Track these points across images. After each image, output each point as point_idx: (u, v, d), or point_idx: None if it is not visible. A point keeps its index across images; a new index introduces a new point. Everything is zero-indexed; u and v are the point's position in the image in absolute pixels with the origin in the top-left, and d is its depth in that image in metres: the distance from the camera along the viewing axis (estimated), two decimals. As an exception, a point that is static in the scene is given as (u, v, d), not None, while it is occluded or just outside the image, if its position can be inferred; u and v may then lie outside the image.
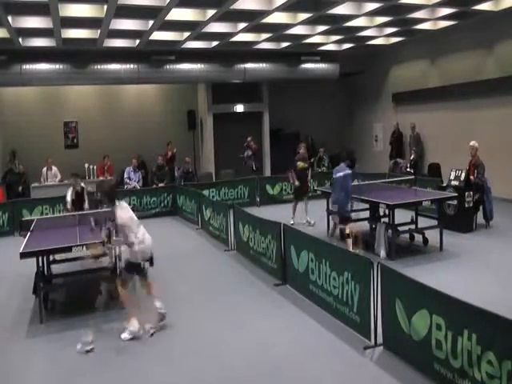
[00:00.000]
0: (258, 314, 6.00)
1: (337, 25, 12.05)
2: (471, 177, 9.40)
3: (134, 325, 5.44)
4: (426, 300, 4.28)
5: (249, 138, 14.61)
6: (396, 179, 11.15)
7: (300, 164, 10.71)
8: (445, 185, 9.80)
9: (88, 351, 5.13)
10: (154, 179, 14.00)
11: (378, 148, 17.10)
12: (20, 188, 13.74)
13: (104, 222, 6.03)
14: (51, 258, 7.18)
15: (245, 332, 5.53)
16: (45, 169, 13.90)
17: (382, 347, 4.86)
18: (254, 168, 14.52)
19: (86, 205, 9.20)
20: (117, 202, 5.56)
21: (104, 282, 6.20)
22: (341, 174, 8.02)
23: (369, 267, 4.84)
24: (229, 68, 15.17)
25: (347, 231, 7.90)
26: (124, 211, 5.55)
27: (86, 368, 4.86)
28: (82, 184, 9.53)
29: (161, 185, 13.46)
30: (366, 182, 10.23)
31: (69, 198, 9.22)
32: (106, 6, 9.58)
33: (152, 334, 5.46)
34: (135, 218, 5.65)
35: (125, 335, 5.41)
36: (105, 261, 7.69)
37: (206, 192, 11.98)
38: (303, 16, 11.23)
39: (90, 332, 5.33)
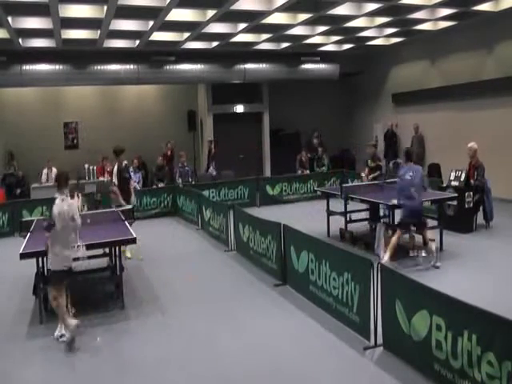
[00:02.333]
0: (258, 314, 5.99)
1: (337, 25, 12.05)
2: (471, 180, 9.40)
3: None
4: (426, 300, 4.28)
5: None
6: (396, 179, 11.12)
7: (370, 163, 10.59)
8: (445, 185, 9.80)
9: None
10: (153, 179, 14.03)
11: (378, 148, 17.06)
12: (18, 191, 13.78)
13: None
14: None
15: (244, 332, 5.52)
16: (45, 170, 13.95)
17: (381, 348, 4.86)
18: (214, 174, 14.67)
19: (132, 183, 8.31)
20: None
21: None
22: (411, 174, 7.28)
23: (369, 268, 4.83)
24: (229, 68, 15.16)
25: (430, 237, 7.42)
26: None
27: (84, 368, 4.86)
28: (125, 161, 8.47)
29: (161, 185, 13.47)
30: (366, 183, 10.24)
31: (115, 179, 8.40)
32: (105, 7, 9.58)
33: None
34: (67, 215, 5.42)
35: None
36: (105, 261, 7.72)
37: (205, 192, 11.99)
38: (303, 16, 11.22)
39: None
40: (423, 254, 7.35)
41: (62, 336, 5.43)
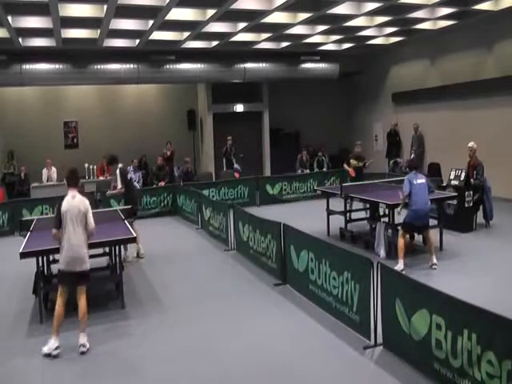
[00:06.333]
0: (258, 313, 5.99)
1: (337, 24, 12.05)
2: (471, 179, 9.40)
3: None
4: (426, 300, 4.28)
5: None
6: (396, 179, 11.14)
7: (353, 162, 11.25)
8: (445, 184, 9.80)
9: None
10: (153, 179, 14.04)
11: (377, 148, 17.09)
12: (19, 190, 13.80)
13: None
14: (51, 257, 7.17)
15: (244, 332, 5.53)
16: (45, 169, 13.97)
17: (381, 347, 4.86)
18: (239, 168, 14.65)
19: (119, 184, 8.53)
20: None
21: None
22: (423, 180, 7.31)
23: (369, 267, 4.83)
24: (229, 68, 15.17)
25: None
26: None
27: (85, 368, 4.86)
28: (120, 165, 8.66)
29: (161, 183, 13.47)
30: (366, 182, 10.24)
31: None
32: (105, 6, 9.58)
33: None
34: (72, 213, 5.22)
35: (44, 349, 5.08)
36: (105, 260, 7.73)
37: (205, 192, 11.99)
38: (303, 16, 11.22)
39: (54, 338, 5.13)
40: (434, 261, 7.33)
41: (56, 348, 5.05)
